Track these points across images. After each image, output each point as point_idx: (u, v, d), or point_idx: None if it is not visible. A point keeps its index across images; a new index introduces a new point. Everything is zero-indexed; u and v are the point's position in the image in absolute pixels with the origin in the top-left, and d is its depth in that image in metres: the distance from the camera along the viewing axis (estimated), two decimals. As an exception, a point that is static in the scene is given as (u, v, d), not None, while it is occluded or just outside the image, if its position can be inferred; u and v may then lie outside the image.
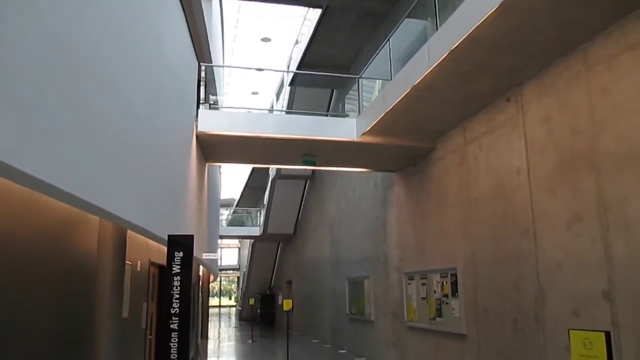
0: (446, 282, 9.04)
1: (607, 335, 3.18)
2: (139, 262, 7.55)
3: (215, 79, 13.70)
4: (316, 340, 18.33)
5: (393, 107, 8.09)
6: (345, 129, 9.56)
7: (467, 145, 8.61)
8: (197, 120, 8.93)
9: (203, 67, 10.37)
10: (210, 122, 9.06)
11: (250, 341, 19.10)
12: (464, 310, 8.47)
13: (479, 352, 8.03)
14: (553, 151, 6.53)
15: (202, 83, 10.75)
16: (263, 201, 25.30)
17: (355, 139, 9.42)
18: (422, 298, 9.96)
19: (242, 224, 28.73)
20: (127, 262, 6.28)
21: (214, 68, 13.09)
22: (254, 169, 25.56)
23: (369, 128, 9.00)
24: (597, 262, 5.71)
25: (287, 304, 12.86)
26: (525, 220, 7.00)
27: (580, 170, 6.05)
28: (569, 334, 3.42)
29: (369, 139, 9.34)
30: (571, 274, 6.11)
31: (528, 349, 6.84)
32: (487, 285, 7.86)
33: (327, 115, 14.54)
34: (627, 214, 5.37)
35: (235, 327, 28.83)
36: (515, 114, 7.31)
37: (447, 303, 9.02)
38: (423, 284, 9.95)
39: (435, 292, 9.46)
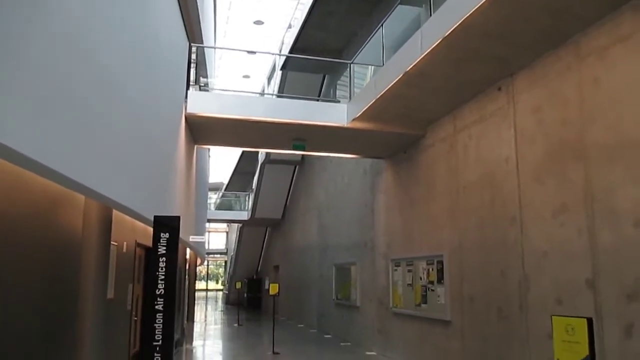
0: (432, 269, 9.09)
1: (589, 321, 3.22)
2: (124, 243, 7.50)
3: (206, 61, 13.55)
4: (302, 325, 18.43)
5: (384, 93, 8.06)
6: (335, 114, 9.52)
7: (457, 134, 8.61)
8: (186, 102, 8.84)
9: (194, 48, 10.24)
10: (200, 104, 8.98)
11: (236, 325, 19.16)
12: (449, 297, 8.54)
13: (463, 339, 8.11)
14: (542, 141, 6.55)
15: (192, 64, 10.63)
16: (252, 186, 25.25)
17: (346, 125, 9.39)
18: (408, 284, 10.02)
19: (230, 208, 28.69)
20: (112, 242, 6.23)
21: (205, 50, 12.92)
22: (243, 153, 25.47)
23: (359, 114, 8.97)
24: (582, 251, 5.76)
25: (273, 288, 12.88)
26: (513, 209, 7.03)
27: (568, 160, 6.07)
28: (551, 320, 3.45)
29: (359, 124, 9.31)
30: (556, 262, 6.17)
31: (511, 336, 6.92)
32: (473, 272, 7.91)
33: (318, 101, 14.47)
34: (613, 205, 5.41)
35: (221, 310, 28.89)
36: (506, 104, 7.31)
37: (432, 290, 9.09)
38: (409, 271, 10.01)
39: (421, 278, 9.52)
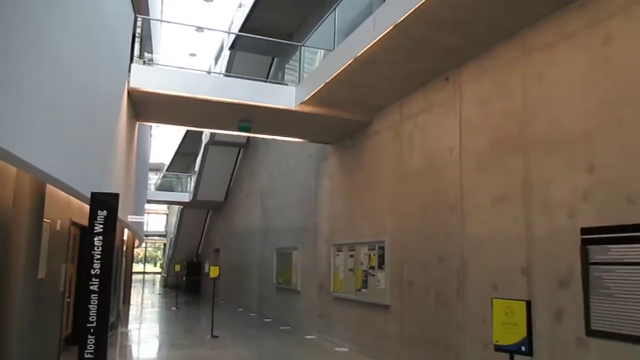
0: (374, 255, 9.22)
1: (528, 304, 3.34)
2: (58, 221, 7.18)
3: (152, 36, 13.09)
4: (242, 309, 18.35)
5: (334, 77, 8.03)
6: (284, 96, 9.42)
7: (403, 122, 8.71)
8: (129, 76, 8.49)
9: (139, 21, 9.83)
10: (144, 79, 8.64)
11: (174, 308, 18.84)
12: (389, 282, 8.68)
13: (401, 323, 8.28)
14: (486, 132, 6.72)
15: (137, 37, 10.23)
16: (194, 167, 24.77)
17: (293, 108, 9.31)
18: (350, 269, 10.13)
19: (171, 190, 28.05)
20: (45, 219, 5.94)
21: (151, 24, 12.47)
22: (187, 133, 24.92)
23: (308, 97, 8.91)
24: (518, 240, 5.97)
25: (214, 271, 12.73)
26: (454, 198, 7.20)
27: (509, 152, 6.26)
28: (491, 303, 3.55)
29: (307, 108, 9.25)
30: (493, 250, 6.37)
31: (448, 320, 7.12)
32: (413, 258, 8.07)
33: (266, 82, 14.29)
34: (549, 196, 5.62)
35: (159, 293, 28.35)
36: (453, 94, 7.44)
37: (373, 275, 9.22)
38: (351, 256, 10.11)
39: (362, 264, 9.63)
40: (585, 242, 5.12)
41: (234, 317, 16.47)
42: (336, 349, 10.22)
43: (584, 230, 5.14)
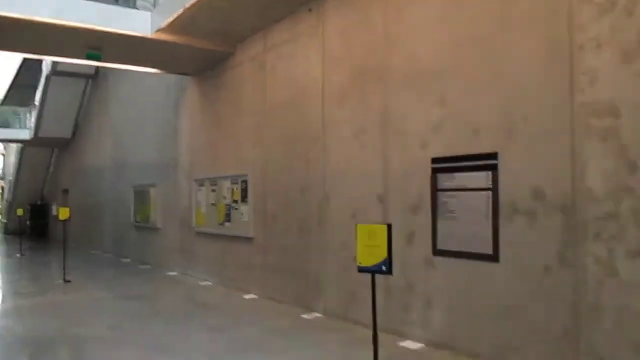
0: (237, 189, 9.20)
1: (389, 227, 3.58)
2: None
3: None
4: (96, 251, 17.46)
5: (193, 3, 7.56)
6: (138, 22, 8.67)
7: (266, 53, 8.55)
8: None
9: None
10: (-36, -7, 7.41)
11: (18, 255, 17.34)
12: (252, 215, 8.76)
13: (265, 254, 8.47)
14: (347, 65, 6.84)
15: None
16: (34, 101, 22.34)
17: (149, 35, 8.65)
18: (212, 204, 10.04)
19: (7, 126, 25.10)
20: None
21: None
22: (23, 62, 22.22)
23: (165, 24, 8.32)
24: (376, 170, 6.30)
25: (63, 213, 11.81)
26: (316, 130, 7.33)
27: (370, 85, 6.46)
28: (356, 228, 3.75)
29: (164, 36, 8.66)
30: (353, 180, 6.67)
31: (310, 249, 7.41)
32: (277, 191, 8.19)
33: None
34: (404, 128, 5.96)
35: (-2, 240, 25.87)
36: (316, 25, 7.41)
37: (236, 209, 9.23)
38: (213, 190, 9.99)
39: (225, 198, 9.58)
40: (435, 171, 5.55)
41: (88, 259, 15.62)
42: (200, 283, 10.22)
43: (434, 160, 5.57)
